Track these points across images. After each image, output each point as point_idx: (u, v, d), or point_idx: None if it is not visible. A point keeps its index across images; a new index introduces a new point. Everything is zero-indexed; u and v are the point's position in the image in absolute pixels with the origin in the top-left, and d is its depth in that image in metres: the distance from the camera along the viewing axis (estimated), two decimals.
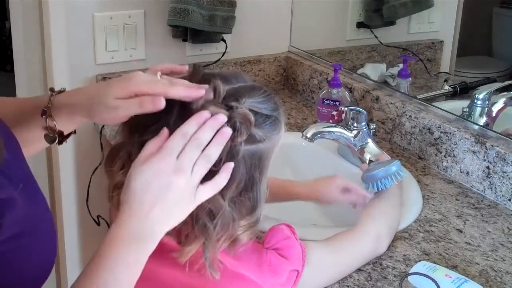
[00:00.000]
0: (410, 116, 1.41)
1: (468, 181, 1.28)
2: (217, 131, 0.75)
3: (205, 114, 0.75)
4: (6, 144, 0.68)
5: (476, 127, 1.31)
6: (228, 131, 0.75)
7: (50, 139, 0.87)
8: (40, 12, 1.60)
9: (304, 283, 0.89)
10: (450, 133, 1.31)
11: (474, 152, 1.26)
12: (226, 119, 0.75)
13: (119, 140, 0.82)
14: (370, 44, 1.77)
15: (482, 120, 1.33)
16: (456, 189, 1.28)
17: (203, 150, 0.74)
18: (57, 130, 0.86)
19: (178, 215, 0.74)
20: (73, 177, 1.67)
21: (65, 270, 1.76)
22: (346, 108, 1.35)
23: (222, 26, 1.64)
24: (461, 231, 1.12)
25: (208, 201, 0.75)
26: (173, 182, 0.72)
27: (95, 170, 1.58)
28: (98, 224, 1.65)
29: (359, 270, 0.99)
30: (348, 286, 0.96)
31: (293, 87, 1.84)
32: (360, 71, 1.66)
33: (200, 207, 0.75)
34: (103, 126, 1.52)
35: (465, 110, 1.35)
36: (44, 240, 0.77)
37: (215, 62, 1.73)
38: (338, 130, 1.25)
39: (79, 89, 0.88)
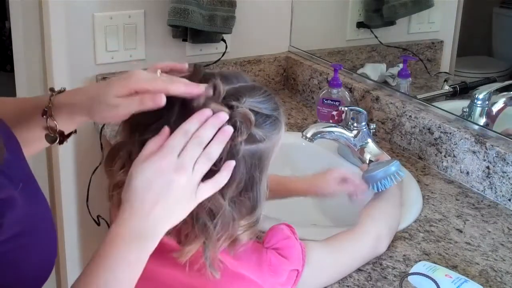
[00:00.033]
0: (410, 116, 1.41)
1: (468, 181, 1.28)
2: (219, 129, 0.75)
3: (206, 112, 0.75)
4: (6, 144, 0.68)
5: (476, 127, 1.31)
6: (229, 129, 0.75)
7: (50, 139, 0.87)
8: (40, 12, 1.60)
9: (304, 283, 0.89)
10: (450, 133, 1.31)
11: (474, 152, 1.26)
12: (227, 117, 0.75)
13: (120, 139, 0.82)
14: (370, 44, 1.77)
15: (482, 120, 1.33)
16: (456, 189, 1.28)
17: (204, 148, 0.74)
18: (57, 130, 0.86)
19: (179, 213, 0.74)
20: (73, 177, 1.67)
21: (65, 270, 1.76)
22: (346, 108, 1.35)
23: (222, 26, 1.64)
24: (461, 231, 1.12)
25: (208, 200, 0.75)
26: (174, 180, 0.72)
27: (95, 170, 1.58)
28: (98, 224, 1.65)
29: (359, 270, 0.99)
30: (348, 286, 0.96)
31: (293, 87, 1.84)
32: (360, 71, 1.66)
33: (200, 206, 0.75)
34: (103, 126, 1.52)
35: (465, 110, 1.35)
36: (45, 239, 0.77)
37: (215, 62, 1.73)
38: (338, 130, 1.25)
39: (79, 89, 0.88)
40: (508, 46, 1.55)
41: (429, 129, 1.36)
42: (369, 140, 1.25)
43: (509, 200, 1.20)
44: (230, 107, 0.77)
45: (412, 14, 1.73)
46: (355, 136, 1.25)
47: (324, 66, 1.72)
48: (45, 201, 0.80)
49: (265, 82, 1.83)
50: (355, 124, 1.25)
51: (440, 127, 1.34)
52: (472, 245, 1.08)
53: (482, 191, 1.26)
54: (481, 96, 1.33)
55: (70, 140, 0.91)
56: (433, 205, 1.21)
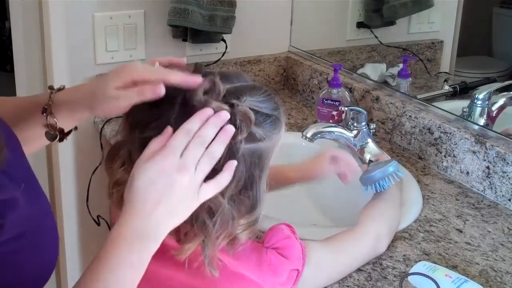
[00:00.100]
0: (410, 116, 1.41)
1: (468, 181, 1.28)
2: (220, 128, 0.75)
3: (208, 111, 0.75)
4: (7, 143, 0.68)
5: (476, 127, 1.31)
6: (231, 129, 0.75)
7: (50, 136, 0.88)
8: (40, 12, 1.60)
9: (304, 282, 0.89)
10: (450, 133, 1.31)
11: (474, 152, 1.26)
12: (229, 116, 0.75)
13: (120, 138, 0.82)
14: (370, 44, 1.77)
15: (482, 120, 1.33)
16: (456, 189, 1.28)
17: (206, 148, 0.74)
18: (57, 127, 0.86)
19: (181, 214, 0.74)
20: (73, 177, 1.67)
21: (65, 270, 1.76)
22: (346, 108, 1.34)
23: (222, 26, 1.64)
24: (461, 231, 1.12)
25: (208, 198, 0.75)
26: (176, 180, 0.72)
27: (95, 170, 1.58)
28: (98, 224, 1.65)
29: (359, 270, 0.99)
30: (348, 286, 0.96)
31: (293, 87, 1.84)
32: (360, 71, 1.66)
33: (200, 204, 0.75)
34: (103, 126, 1.52)
35: (465, 110, 1.35)
36: (46, 239, 0.77)
37: (215, 62, 1.73)
38: (338, 130, 1.25)
39: (79, 86, 0.89)
40: (508, 46, 1.55)
41: (429, 129, 1.36)
42: (369, 140, 1.25)
43: (509, 200, 1.20)
44: (231, 106, 0.77)
45: (412, 14, 1.73)
46: (355, 136, 1.25)
47: (324, 66, 1.72)
48: (47, 201, 0.80)
49: (265, 82, 1.83)
50: (355, 124, 1.25)
51: (440, 127, 1.34)
52: (472, 245, 1.08)
53: (482, 191, 1.26)
54: (481, 96, 1.33)
55: (70, 140, 0.91)
56: (433, 205, 1.21)
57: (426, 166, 1.37)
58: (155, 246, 0.73)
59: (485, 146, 1.23)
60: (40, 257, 0.76)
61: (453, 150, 1.31)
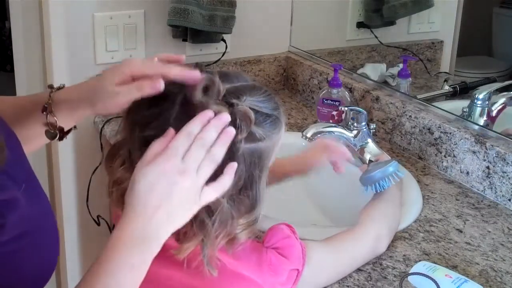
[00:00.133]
0: (410, 116, 1.41)
1: (468, 181, 1.28)
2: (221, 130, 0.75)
3: (208, 113, 0.75)
4: (6, 143, 0.68)
5: (476, 127, 1.31)
6: (232, 131, 0.75)
7: (50, 135, 0.88)
8: (40, 12, 1.60)
9: (304, 282, 0.89)
10: (450, 133, 1.31)
11: (474, 152, 1.26)
12: (229, 118, 0.75)
13: (120, 138, 0.82)
14: (370, 44, 1.77)
15: (482, 120, 1.33)
16: (456, 189, 1.28)
17: (207, 150, 0.74)
18: (57, 126, 0.86)
19: (182, 217, 0.73)
20: (73, 177, 1.67)
21: (65, 270, 1.76)
22: (346, 108, 1.35)
23: (222, 26, 1.64)
24: (461, 231, 1.12)
25: (209, 201, 0.75)
26: (177, 183, 0.71)
27: (95, 170, 1.58)
28: (98, 224, 1.65)
29: (359, 270, 0.99)
30: (348, 286, 0.96)
31: (293, 87, 1.84)
32: (360, 71, 1.66)
33: None
34: (103, 126, 1.52)
35: (465, 110, 1.35)
36: (47, 239, 0.77)
37: (215, 62, 1.73)
38: (338, 130, 1.25)
39: (78, 84, 0.89)
40: (508, 46, 1.55)
41: (429, 129, 1.36)
42: (369, 140, 1.25)
43: (509, 200, 1.20)
44: (231, 105, 0.76)
45: (412, 14, 1.73)
46: (355, 136, 1.25)
47: (324, 66, 1.72)
48: (47, 200, 0.80)
49: (265, 82, 1.83)
50: (355, 124, 1.25)
51: (440, 127, 1.34)
52: (472, 245, 1.08)
53: (482, 191, 1.25)
54: (481, 96, 1.33)
55: (70, 140, 0.91)
56: (433, 205, 1.21)
57: (426, 166, 1.37)
58: (155, 250, 0.72)
59: (485, 146, 1.23)
60: (40, 257, 0.76)
61: (453, 150, 1.31)
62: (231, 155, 0.75)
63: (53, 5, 1.54)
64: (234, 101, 0.77)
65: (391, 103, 1.46)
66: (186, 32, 1.63)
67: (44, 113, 0.86)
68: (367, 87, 1.56)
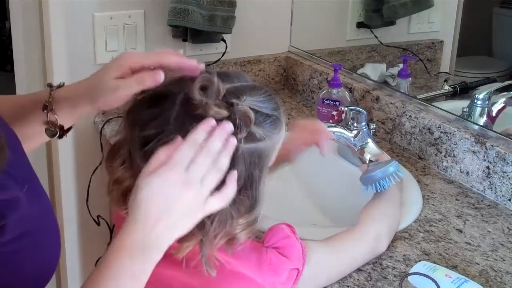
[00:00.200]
0: (410, 116, 1.41)
1: (468, 181, 1.28)
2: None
3: (211, 122, 0.74)
4: (8, 142, 0.68)
5: (476, 127, 1.31)
6: (234, 141, 0.74)
7: (50, 133, 0.88)
8: (40, 12, 1.60)
9: (304, 282, 0.89)
10: (450, 133, 1.31)
11: (474, 152, 1.26)
12: (232, 128, 0.75)
13: (120, 137, 0.82)
14: (370, 44, 1.77)
15: (482, 120, 1.33)
16: (456, 189, 1.28)
17: (213, 160, 0.73)
18: (58, 124, 0.86)
19: (185, 225, 0.73)
20: (73, 177, 1.67)
21: (65, 270, 1.76)
22: (346, 108, 1.34)
23: (222, 26, 1.64)
24: (461, 231, 1.12)
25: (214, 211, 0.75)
26: (181, 194, 0.71)
27: (95, 170, 1.58)
28: (98, 224, 1.65)
29: (359, 270, 0.99)
30: (348, 286, 0.96)
31: (293, 87, 1.84)
32: (360, 71, 1.66)
33: None
34: (103, 126, 1.52)
35: (465, 110, 1.35)
36: (48, 239, 0.77)
37: (215, 62, 1.73)
38: (338, 130, 1.25)
39: (78, 82, 0.89)
40: (508, 46, 1.55)
41: (429, 129, 1.36)
42: (369, 140, 1.25)
43: (509, 200, 1.20)
44: (230, 105, 0.76)
45: (412, 14, 1.73)
46: (355, 136, 1.25)
47: (324, 66, 1.72)
48: (48, 200, 0.80)
49: (265, 82, 1.83)
50: (355, 124, 1.25)
51: (440, 127, 1.34)
52: (472, 245, 1.08)
53: (482, 191, 1.25)
54: (481, 96, 1.33)
55: (70, 140, 0.91)
56: (433, 205, 1.21)
57: (426, 166, 1.37)
58: (157, 257, 0.72)
59: (485, 146, 1.23)
60: (41, 257, 0.76)
61: (453, 150, 1.31)
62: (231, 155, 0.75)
63: (53, 5, 1.53)
64: (234, 101, 0.77)
65: (391, 103, 1.46)
66: (186, 32, 1.63)
67: (45, 111, 0.86)
68: (367, 87, 1.56)
